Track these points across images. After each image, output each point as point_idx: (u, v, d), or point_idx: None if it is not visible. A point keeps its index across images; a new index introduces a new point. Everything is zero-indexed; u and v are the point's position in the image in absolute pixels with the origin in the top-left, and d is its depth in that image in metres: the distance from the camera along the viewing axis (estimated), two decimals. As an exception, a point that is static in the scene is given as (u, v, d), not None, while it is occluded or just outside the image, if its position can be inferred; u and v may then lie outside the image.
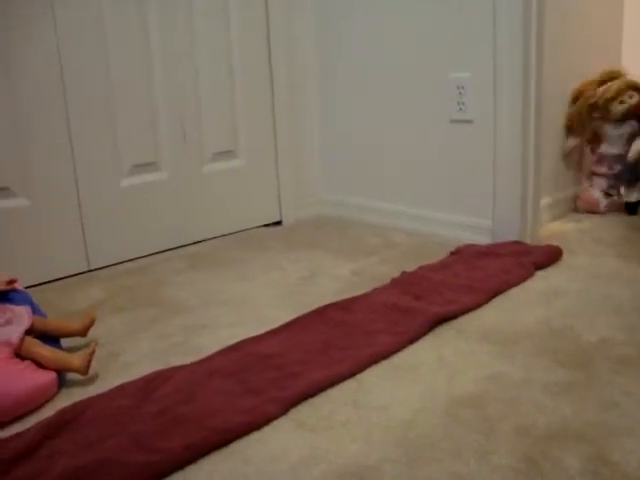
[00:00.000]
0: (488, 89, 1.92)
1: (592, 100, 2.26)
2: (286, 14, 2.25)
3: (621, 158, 2.26)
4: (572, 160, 2.34)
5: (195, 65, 2.09)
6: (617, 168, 2.28)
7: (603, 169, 2.30)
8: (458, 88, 2.01)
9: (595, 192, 2.30)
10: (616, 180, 2.29)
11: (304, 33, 2.32)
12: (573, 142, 2.31)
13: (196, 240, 2.16)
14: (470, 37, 1.94)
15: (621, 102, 2.24)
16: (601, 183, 2.31)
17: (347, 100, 2.32)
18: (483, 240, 1.98)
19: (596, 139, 2.32)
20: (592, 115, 2.27)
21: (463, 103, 2.01)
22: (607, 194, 2.30)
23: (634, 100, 2.24)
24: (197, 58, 2.09)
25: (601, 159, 2.31)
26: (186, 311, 1.59)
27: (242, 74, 2.21)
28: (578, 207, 2.34)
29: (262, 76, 2.26)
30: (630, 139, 2.24)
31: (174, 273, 1.88)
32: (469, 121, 2.01)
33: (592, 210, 2.30)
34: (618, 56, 2.44)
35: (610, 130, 2.28)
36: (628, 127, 2.26)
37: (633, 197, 2.24)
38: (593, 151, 2.34)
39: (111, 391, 1.19)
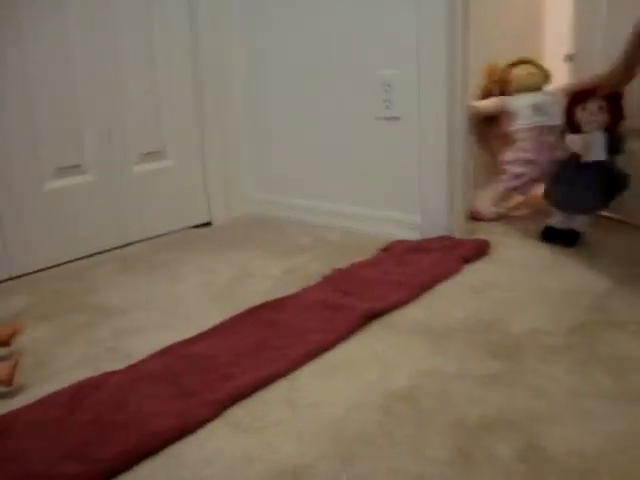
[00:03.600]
0: (414, 86, 1.94)
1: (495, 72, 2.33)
2: (211, 11, 2.23)
3: (532, 139, 2.25)
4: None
5: (118, 65, 2.04)
6: (531, 150, 2.25)
7: (518, 153, 2.27)
8: (384, 85, 2.02)
9: (483, 201, 2.23)
10: (532, 169, 2.26)
11: (230, 31, 2.30)
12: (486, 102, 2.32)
13: (125, 243, 2.12)
14: (396, 34, 1.96)
15: (523, 69, 2.29)
16: (509, 179, 2.27)
17: (275, 99, 2.31)
18: (413, 236, 2.00)
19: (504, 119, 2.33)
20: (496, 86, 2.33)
21: (389, 100, 2.03)
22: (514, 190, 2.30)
23: (536, 71, 2.29)
24: (120, 58, 2.05)
25: (515, 138, 2.29)
26: (116, 315, 1.56)
27: (167, 75, 2.17)
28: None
29: (188, 76, 2.23)
30: (538, 107, 2.23)
31: (103, 277, 1.84)
32: (396, 118, 2.03)
33: (478, 219, 2.22)
34: (540, 51, 2.51)
35: (515, 102, 2.27)
36: (534, 97, 2.25)
37: (559, 222, 1.94)
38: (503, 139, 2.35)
39: (39, 402, 1.15)
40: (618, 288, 1.58)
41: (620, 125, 1.83)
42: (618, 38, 1.90)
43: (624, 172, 1.83)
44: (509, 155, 2.31)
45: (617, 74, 1.75)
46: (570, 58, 2.34)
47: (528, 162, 2.27)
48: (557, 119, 2.21)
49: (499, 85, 2.33)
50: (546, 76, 2.33)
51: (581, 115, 1.84)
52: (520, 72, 2.29)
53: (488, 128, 2.38)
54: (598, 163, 1.82)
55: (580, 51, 2.30)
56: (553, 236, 1.92)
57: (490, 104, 2.31)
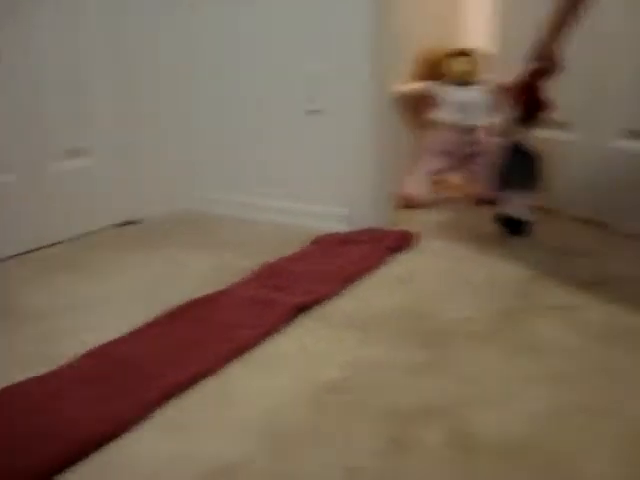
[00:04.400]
0: (338, 80, 1.95)
1: (431, 56, 2.37)
2: (137, 6, 2.18)
3: (453, 133, 2.30)
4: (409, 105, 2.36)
5: (38, 60, 1.97)
6: (449, 143, 2.31)
7: (433, 140, 2.34)
8: (309, 79, 2.02)
9: (414, 187, 2.29)
10: (447, 159, 2.34)
11: (155, 28, 2.24)
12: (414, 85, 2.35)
13: (49, 243, 2.05)
14: (321, 29, 1.96)
15: (458, 62, 2.31)
16: (427, 162, 2.33)
17: (201, 94, 2.28)
18: (341, 228, 2.01)
19: (429, 106, 2.37)
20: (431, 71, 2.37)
21: (314, 94, 2.03)
22: (434, 181, 2.35)
23: (471, 66, 2.32)
24: (39, 53, 1.98)
25: (433, 126, 2.35)
26: (40, 318, 1.51)
27: (89, 71, 2.11)
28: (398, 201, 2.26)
29: (111, 72, 2.17)
30: (462, 106, 2.28)
31: (26, 279, 1.77)
32: (320, 112, 2.03)
33: (411, 205, 2.26)
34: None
35: (442, 93, 2.31)
36: (464, 93, 2.29)
37: (516, 212, 1.92)
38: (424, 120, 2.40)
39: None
40: (540, 275, 1.62)
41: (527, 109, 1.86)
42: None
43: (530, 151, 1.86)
44: (427, 141, 2.37)
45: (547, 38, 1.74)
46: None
47: (443, 153, 2.32)
48: (479, 119, 2.27)
49: (432, 70, 2.36)
50: (479, 70, 2.35)
51: None
52: (455, 67, 2.31)
53: (415, 110, 2.41)
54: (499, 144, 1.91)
55: (500, 46, 2.35)
56: (502, 223, 1.95)
57: (417, 88, 2.34)
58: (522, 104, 1.86)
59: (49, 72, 2.01)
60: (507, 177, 1.88)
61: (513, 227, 1.92)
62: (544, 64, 1.77)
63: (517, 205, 1.91)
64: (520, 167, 1.86)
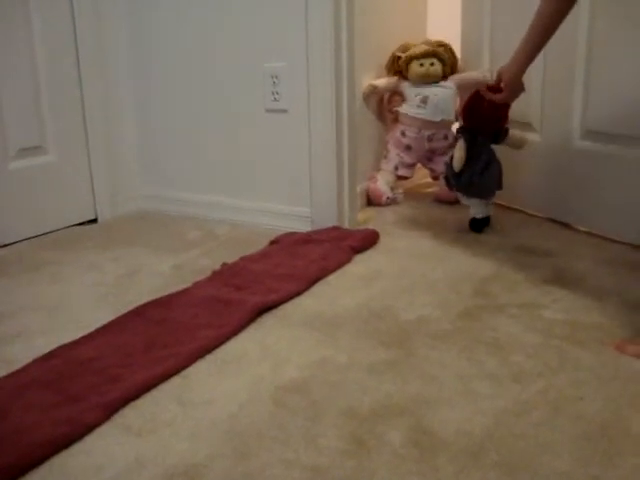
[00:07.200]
0: (301, 78, 1.95)
1: (398, 53, 2.37)
2: (94, 2, 2.15)
3: (416, 125, 2.32)
4: (372, 102, 2.37)
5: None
6: (411, 138, 2.33)
7: (397, 135, 2.36)
8: (272, 77, 2.01)
9: (380, 183, 2.32)
10: (410, 155, 2.36)
11: (113, 24, 2.22)
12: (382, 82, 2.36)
13: (3, 243, 2.02)
14: (284, 26, 1.95)
15: (421, 65, 2.31)
16: (393, 158, 2.36)
17: (163, 92, 2.26)
18: (303, 227, 2.00)
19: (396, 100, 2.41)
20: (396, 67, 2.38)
21: (277, 93, 2.02)
22: (399, 177, 2.37)
23: (435, 68, 2.32)
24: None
25: (399, 120, 2.38)
26: (-5, 320, 1.48)
27: (47, 66, 2.07)
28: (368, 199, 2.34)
29: (70, 68, 2.14)
30: (424, 101, 2.29)
31: (-20, 281, 1.74)
32: (284, 110, 2.02)
33: (377, 202, 2.32)
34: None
35: (407, 89, 2.34)
36: (425, 89, 2.31)
37: (479, 212, 1.97)
38: (391, 113, 2.43)
39: None
40: (500, 273, 1.64)
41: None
42: (502, 32, 1.98)
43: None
44: (390, 135, 2.40)
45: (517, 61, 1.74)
46: None
47: (405, 147, 2.34)
48: (442, 115, 2.29)
49: (401, 67, 2.37)
50: (445, 69, 2.35)
51: None
52: (417, 69, 2.30)
53: (386, 105, 2.45)
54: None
55: (466, 44, 2.37)
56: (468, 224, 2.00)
57: (387, 83, 2.36)
58: (467, 117, 1.92)
59: (5, 72, 1.98)
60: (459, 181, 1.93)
61: (475, 226, 1.98)
62: (501, 85, 1.80)
63: (473, 205, 1.97)
64: (471, 171, 1.89)
